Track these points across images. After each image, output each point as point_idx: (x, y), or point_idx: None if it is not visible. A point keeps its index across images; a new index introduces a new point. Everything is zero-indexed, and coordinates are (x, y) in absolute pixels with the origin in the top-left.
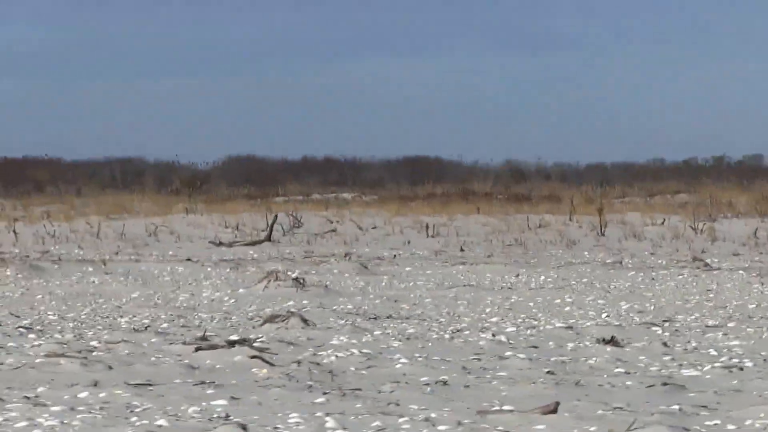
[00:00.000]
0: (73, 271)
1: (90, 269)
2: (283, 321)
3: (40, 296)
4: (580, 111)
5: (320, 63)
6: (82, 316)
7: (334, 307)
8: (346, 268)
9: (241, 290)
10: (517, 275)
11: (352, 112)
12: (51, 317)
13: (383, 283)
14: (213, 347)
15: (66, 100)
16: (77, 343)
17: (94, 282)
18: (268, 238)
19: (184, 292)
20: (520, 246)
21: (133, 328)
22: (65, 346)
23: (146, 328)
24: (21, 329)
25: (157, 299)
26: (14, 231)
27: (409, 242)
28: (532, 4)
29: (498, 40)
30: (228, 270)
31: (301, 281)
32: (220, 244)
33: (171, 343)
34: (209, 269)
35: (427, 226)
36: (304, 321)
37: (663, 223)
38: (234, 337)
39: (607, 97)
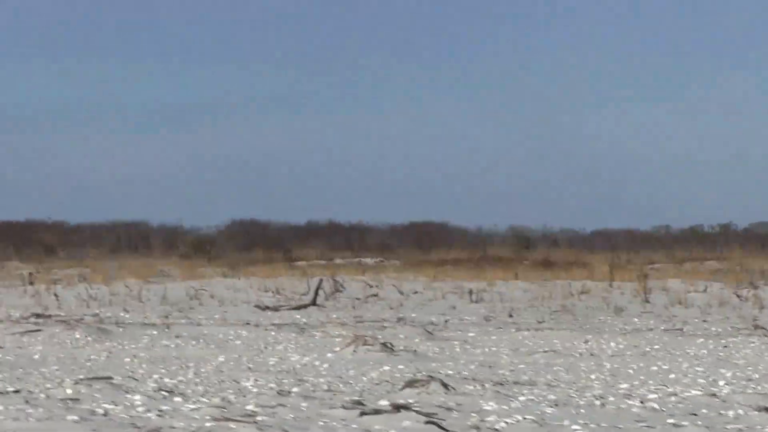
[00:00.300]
0: (139, 333)
1: (155, 332)
2: (423, 386)
3: (128, 359)
4: (578, 177)
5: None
6: (199, 380)
7: (430, 373)
8: (410, 332)
9: (329, 355)
10: (586, 341)
11: (340, 175)
12: (168, 381)
13: (457, 349)
14: (377, 412)
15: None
16: (233, 407)
17: (168, 345)
18: (313, 303)
19: (269, 356)
20: (568, 312)
21: (278, 392)
22: (224, 410)
23: (289, 392)
24: (163, 392)
25: (248, 363)
26: (55, 294)
27: (454, 307)
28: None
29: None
30: (293, 334)
31: (390, 346)
32: (267, 308)
33: (331, 408)
34: (273, 333)
35: (470, 292)
36: (444, 386)
37: (705, 290)
38: (400, 401)
39: (605, 162)
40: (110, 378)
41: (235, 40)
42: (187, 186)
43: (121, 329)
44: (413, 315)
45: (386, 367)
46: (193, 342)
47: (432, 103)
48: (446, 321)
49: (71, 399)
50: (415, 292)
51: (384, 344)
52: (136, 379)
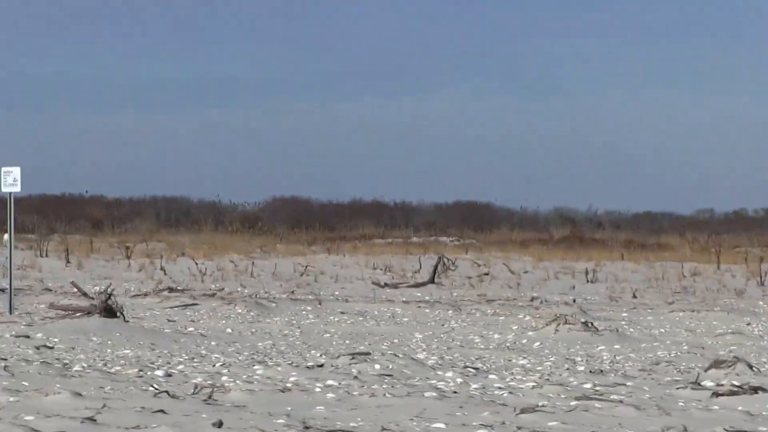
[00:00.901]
0: (294, 309)
1: (308, 308)
2: (730, 366)
3: (327, 335)
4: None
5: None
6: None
7: (631, 354)
8: (567, 311)
9: (530, 333)
10: (748, 323)
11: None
12: (437, 358)
13: (630, 329)
14: (733, 393)
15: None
16: (575, 385)
17: (348, 321)
18: (432, 280)
19: (462, 333)
20: (689, 293)
21: (590, 371)
22: (568, 388)
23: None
24: (470, 369)
25: (443, 339)
26: (162, 268)
27: (573, 287)
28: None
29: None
30: (450, 312)
31: (590, 325)
32: (385, 285)
33: (677, 388)
34: (427, 310)
35: (587, 271)
36: (750, 367)
37: None
38: (743, 383)
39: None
40: (368, 354)
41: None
42: (222, 162)
43: (273, 305)
44: (535, 294)
45: (601, 347)
46: (360, 318)
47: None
48: (574, 300)
49: (388, 375)
50: (526, 272)
51: (585, 323)
52: (414, 358)
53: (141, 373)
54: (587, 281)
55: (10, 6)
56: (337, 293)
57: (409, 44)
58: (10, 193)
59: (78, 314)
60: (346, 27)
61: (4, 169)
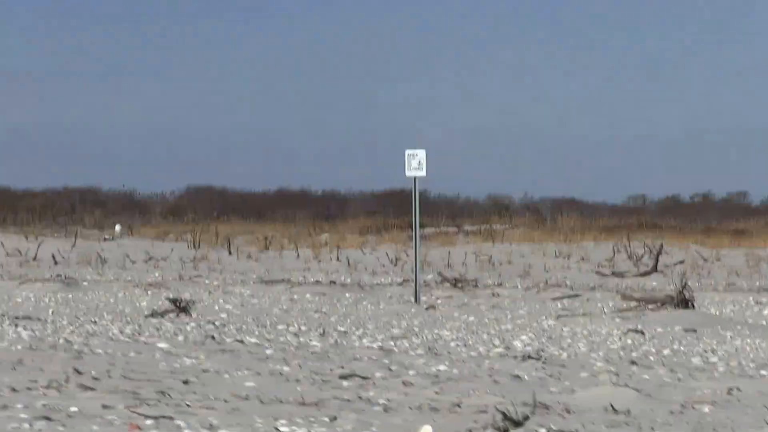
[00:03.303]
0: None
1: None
2: None
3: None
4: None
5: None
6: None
7: None
8: None
9: None
10: None
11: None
12: None
13: None
14: None
15: None
16: None
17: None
18: (654, 269)
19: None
20: None
21: None
22: None
23: None
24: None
25: None
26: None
27: None
28: None
29: None
30: None
31: None
32: (613, 274)
33: None
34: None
35: None
36: None
37: None
38: None
39: None
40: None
41: None
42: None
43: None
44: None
45: None
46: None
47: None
48: None
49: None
50: (718, 259)
51: None
52: None
53: None
54: None
55: None
56: (554, 280)
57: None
58: (415, 177)
59: (650, 306)
60: None
61: (408, 151)
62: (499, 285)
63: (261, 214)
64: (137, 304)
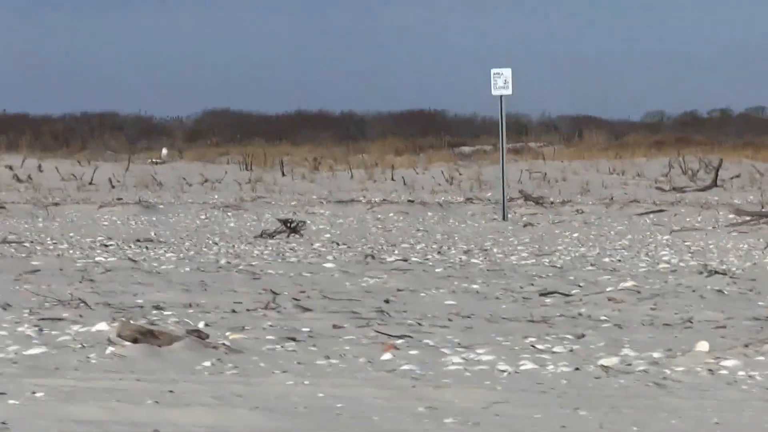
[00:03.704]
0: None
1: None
2: None
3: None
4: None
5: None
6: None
7: None
8: None
9: None
10: None
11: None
12: None
13: None
14: None
15: None
16: None
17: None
18: (714, 183)
19: None
20: None
21: None
22: None
23: None
24: None
25: None
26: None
27: None
28: None
29: None
30: None
31: None
32: (672, 189)
33: None
34: None
35: None
36: None
37: None
38: None
39: None
40: None
41: None
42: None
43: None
44: None
45: None
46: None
47: None
48: None
49: None
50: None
51: None
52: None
53: None
54: None
55: None
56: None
57: None
58: (501, 96)
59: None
60: None
61: (494, 70)
62: (572, 202)
63: (282, 137)
64: (227, 226)
